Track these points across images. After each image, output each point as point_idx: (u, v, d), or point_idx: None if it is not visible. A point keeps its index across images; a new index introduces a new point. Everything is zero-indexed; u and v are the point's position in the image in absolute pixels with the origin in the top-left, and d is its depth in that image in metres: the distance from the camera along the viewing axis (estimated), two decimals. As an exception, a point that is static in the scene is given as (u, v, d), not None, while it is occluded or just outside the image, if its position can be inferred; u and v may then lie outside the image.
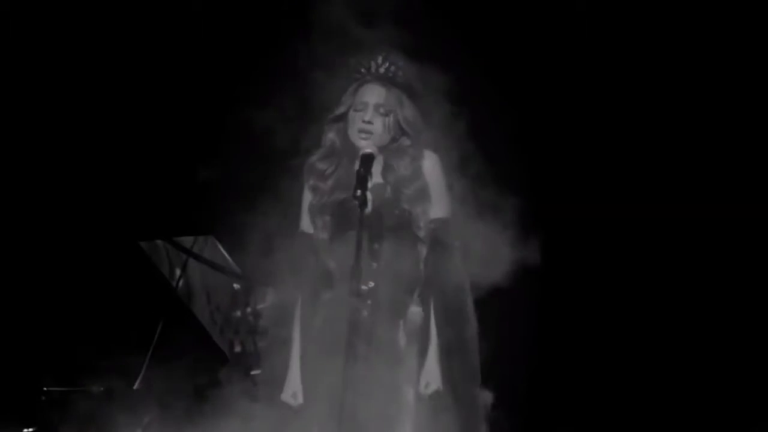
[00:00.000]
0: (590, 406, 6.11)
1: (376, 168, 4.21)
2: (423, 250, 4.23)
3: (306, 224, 4.31)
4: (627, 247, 6.07)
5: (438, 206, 4.26)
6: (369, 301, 4.16)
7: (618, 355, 6.07)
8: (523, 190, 4.40)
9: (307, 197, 4.31)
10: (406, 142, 4.26)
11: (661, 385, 6.07)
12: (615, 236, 6.07)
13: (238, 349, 6.11)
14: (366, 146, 4.17)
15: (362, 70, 4.27)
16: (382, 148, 4.23)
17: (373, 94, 4.24)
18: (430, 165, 4.26)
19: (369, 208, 4.11)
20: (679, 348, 6.02)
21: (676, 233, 6.02)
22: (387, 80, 4.24)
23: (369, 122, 4.21)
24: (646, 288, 6.07)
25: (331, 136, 4.30)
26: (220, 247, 6.13)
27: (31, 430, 5.84)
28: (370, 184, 4.07)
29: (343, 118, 4.27)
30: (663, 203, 6.00)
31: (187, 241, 6.21)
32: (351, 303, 3.98)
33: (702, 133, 5.96)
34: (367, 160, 4.10)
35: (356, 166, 4.11)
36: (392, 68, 4.25)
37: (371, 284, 4.17)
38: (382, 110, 4.23)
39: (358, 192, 3.99)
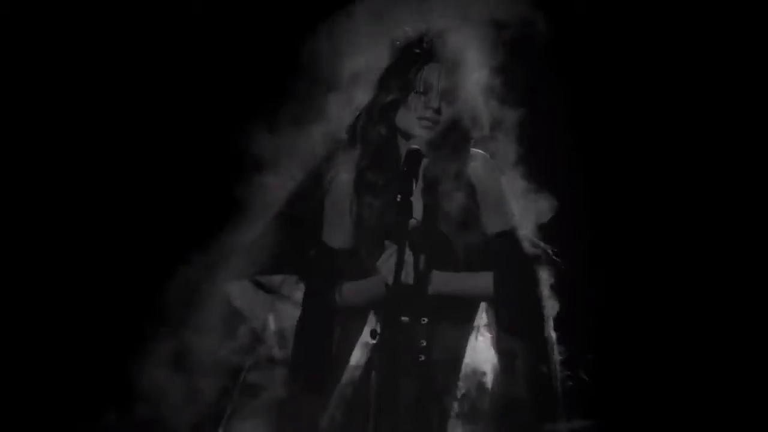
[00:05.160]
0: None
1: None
2: None
3: (330, 236, 3.46)
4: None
5: (497, 218, 3.35)
6: (423, 342, 3.28)
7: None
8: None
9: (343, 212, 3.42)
10: (455, 135, 3.33)
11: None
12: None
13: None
14: (421, 136, 3.27)
15: (416, 50, 3.32)
16: (431, 146, 3.30)
17: (441, 76, 3.30)
18: (480, 169, 3.35)
19: (416, 220, 3.24)
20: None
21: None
22: (445, 58, 3.30)
23: (438, 110, 3.29)
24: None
25: (382, 130, 3.34)
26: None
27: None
28: (416, 188, 3.16)
29: (396, 104, 3.33)
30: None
31: (275, 280, 5.49)
32: (391, 342, 3.06)
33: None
34: (414, 157, 3.17)
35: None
36: (440, 42, 3.30)
37: (424, 320, 3.29)
38: (450, 97, 3.30)
39: (398, 197, 3.08)
